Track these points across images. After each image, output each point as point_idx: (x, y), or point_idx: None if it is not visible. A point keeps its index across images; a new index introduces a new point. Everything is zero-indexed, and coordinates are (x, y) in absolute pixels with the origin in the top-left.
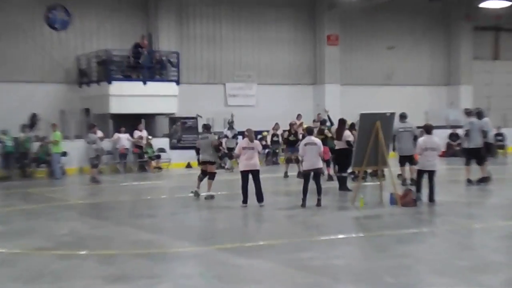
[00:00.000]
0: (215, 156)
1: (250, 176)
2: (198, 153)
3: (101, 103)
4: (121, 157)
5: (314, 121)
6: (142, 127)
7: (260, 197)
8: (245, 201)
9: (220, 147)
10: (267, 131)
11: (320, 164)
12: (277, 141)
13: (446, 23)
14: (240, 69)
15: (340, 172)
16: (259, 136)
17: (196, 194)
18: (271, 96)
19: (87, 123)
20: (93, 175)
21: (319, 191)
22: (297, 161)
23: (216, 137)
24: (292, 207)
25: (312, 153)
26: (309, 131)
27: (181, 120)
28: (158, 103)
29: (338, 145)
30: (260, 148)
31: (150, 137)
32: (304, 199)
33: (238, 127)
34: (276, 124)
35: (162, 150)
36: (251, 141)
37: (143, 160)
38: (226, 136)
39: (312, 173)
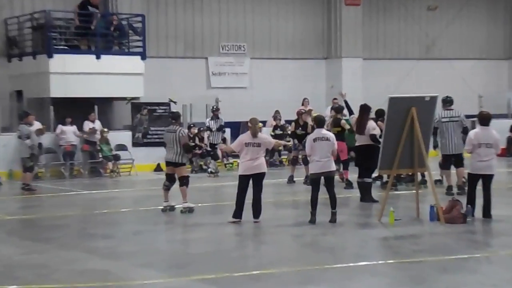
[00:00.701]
0: (184, 156)
1: (251, 183)
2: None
3: (38, 84)
4: (67, 157)
5: (332, 108)
6: (95, 117)
7: (257, 211)
8: (238, 214)
9: (202, 144)
10: (263, 122)
11: (333, 166)
12: (280, 135)
13: None
14: (228, 39)
15: (362, 177)
16: None
17: (170, 209)
18: (269, 74)
19: (19, 111)
20: (26, 181)
21: (333, 202)
22: (306, 162)
23: (187, 130)
24: (298, 224)
25: (322, 151)
26: (318, 122)
27: (148, 107)
28: (117, 84)
29: (360, 140)
30: (269, 144)
31: (105, 130)
32: (313, 213)
33: (225, 117)
34: (277, 112)
35: (122, 147)
36: (255, 135)
37: (97, 161)
38: (208, 129)
39: (322, 178)
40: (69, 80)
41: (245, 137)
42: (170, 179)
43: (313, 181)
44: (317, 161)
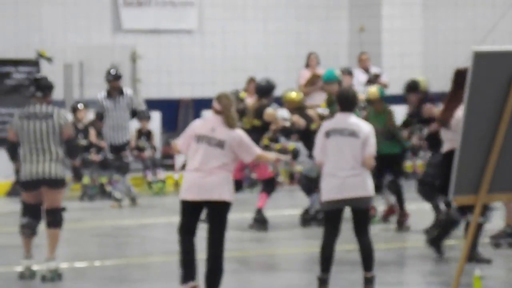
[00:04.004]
0: (64, 165)
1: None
2: (15, 156)
3: None
4: None
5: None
6: None
7: (213, 278)
8: (188, 276)
9: (102, 144)
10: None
11: (367, 188)
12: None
13: None
14: None
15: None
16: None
17: (32, 275)
18: (239, 6)
19: None
20: None
21: (367, 259)
22: (308, 185)
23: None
24: None
25: (343, 156)
26: (341, 100)
27: None
28: None
29: (449, 140)
30: (247, 152)
31: None
32: (322, 280)
33: (151, 90)
34: (251, 81)
35: None
36: (232, 124)
37: None
38: (102, 111)
39: (343, 210)
40: None
41: (199, 125)
42: (35, 213)
43: (327, 215)
44: (333, 176)
